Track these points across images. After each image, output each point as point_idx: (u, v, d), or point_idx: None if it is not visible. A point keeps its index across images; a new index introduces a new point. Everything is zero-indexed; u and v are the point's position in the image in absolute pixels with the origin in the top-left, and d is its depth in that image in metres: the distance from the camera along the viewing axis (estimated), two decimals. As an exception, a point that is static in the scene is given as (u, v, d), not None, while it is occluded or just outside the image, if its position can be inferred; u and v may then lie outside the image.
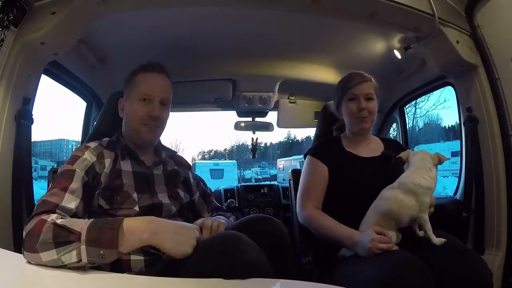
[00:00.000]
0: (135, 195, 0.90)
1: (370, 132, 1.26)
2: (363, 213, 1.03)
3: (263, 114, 2.24)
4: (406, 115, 2.23)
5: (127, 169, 0.94)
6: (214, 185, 2.44)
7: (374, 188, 1.04)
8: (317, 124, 1.50)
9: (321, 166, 1.17)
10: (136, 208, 0.88)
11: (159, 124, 0.98)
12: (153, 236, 0.71)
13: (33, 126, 1.17)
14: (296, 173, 1.53)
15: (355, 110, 1.16)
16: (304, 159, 1.26)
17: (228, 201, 2.26)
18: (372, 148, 1.22)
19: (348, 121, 1.21)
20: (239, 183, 5.82)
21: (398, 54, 1.56)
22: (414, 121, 13.65)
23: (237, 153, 25.52)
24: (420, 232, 1.01)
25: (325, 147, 1.24)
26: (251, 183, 4.17)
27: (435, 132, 16.77)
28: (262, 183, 4.91)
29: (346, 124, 1.24)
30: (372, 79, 1.21)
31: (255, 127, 2.24)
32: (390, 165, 1.16)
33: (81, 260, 0.66)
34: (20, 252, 0.70)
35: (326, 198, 1.16)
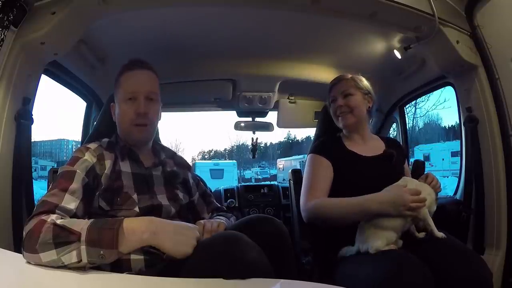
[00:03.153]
0: (135, 196, 0.89)
1: (367, 130, 1.27)
2: None
3: (263, 114, 2.24)
4: (406, 115, 2.24)
5: (127, 170, 0.94)
6: (214, 185, 2.44)
7: (375, 187, 1.03)
8: (317, 124, 1.50)
9: (325, 161, 1.17)
10: (136, 209, 0.88)
11: (149, 121, 0.96)
12: (153, 236, 0.71)
13: (33, 126, 1.16)
14: (296, 173, 1.53)
15: (334, 109, 1.23)
16: (307, 157, 1.26)
17: (228, 201, 2.26)
18: (372, 146, 1.22)
19: (335, 121, 1.26)
20: (239, 183, 5.82)
21: (398, 54, 1.56)
22: (414, 121, 13.68)
23: (237, 153, 25.52)
24: (420, 234, 1.01)
25: (327, 145, 1.24)
26: (251, 183, 4.17)
27: (435, 132, 16.79)
28: (262, 183, 4.91)
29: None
30: (355, 77, 1.23)
31: (255, 127, 2.24)
32: (392, 164, 1.16)
33: (81, 261, 0.66)
34: (20, 252, 0.70)
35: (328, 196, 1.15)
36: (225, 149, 30.41)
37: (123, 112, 0.95)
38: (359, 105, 1.19)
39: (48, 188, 0.84)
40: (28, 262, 0.68)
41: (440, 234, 0.96)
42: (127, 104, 0.95)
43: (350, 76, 1.24)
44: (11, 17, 0.99)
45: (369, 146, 1.22)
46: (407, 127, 2.20)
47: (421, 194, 0.97)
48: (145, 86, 0.95)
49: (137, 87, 0.95)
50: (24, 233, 0.70)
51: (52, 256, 0.66)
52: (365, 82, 1.24)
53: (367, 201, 0.97)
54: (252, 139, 2.29)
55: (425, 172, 1.13)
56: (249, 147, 3.03)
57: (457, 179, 1.62)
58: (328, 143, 1.27)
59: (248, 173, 19.66)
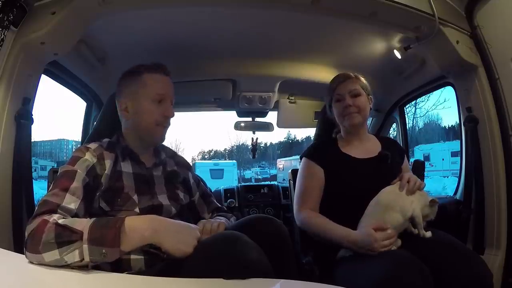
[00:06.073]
0: (135, 197, 0.90)
1: (366, 132, 1.26)
2: (360, 214, 1.03)
3: (263, 114, 2.24)
4: (406, 115, 2.24)
5: (127, 171, 0.94)
6: (214, 185, 2.44)
7: (370, 189, 1.03)
8: (317, 124, 1.50)
9: (317, 169, 1.17)
10: (137, 209, 0.88)
11: (169, 124, 1.00)
12: (154, 234, 0.71)
13: (33, 126, 1.16)
14: (296, 173, 1.52)
15: (341, 108, 1.18)
16: (300, 161, 1.25)
17: (228, 201, 2.26)
18: (368, 148, 1.21)
19: (339, 121, 1.22)
20: (239, 183, 5.82)
21: (398, 54, 1.56)
22: (414, 121, 13.67)
23: (237, 153, 25.46)
24: (414, 230, 1.02)
25: (321, 149, 1.23)
26: (251, 183, 4.18)
27: (435, 132, 16.80)
28: (262, 183, 4.90)
29: (340, 125, 1.24)
30: (358, 76, 1.21)
31: (255, 127, 2.24)
32: (387, 165, 1.15)
33: (83, 259, 0.66)
34: (20, 252, 0.70)
35: (323, 200, 1.15)
36: (225, 149, 30.33)
37: (149, 111, 0.95)
38: (366, 106, 1.18)
39: (48, 188, 0.84)
40: (31, 262, 0.68)
41: (427, 234, 0.98)
42: (154, 104, 0.95)
43: (354, 75, 1.21)
44: (11, 17, 0.99)
45: (365, 147, 1.21)
46: (407, 127, 2.20)
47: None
48: (172, 92, 0.99)
49: (167, 90, 0.98)
50: (26, 233, 0.70)
51: (55, 256, 0.66)
52: (367, 83, 1.22)
53: (342, 238, 1.00)
54: (252, 139, 2.29)
55: (424, 172, 1.13)
56: (249, 147, 3.03)
57: (457, 179, 1.62)
58: (322, 146, 1.26)
59: (248, 173, 19.65)
